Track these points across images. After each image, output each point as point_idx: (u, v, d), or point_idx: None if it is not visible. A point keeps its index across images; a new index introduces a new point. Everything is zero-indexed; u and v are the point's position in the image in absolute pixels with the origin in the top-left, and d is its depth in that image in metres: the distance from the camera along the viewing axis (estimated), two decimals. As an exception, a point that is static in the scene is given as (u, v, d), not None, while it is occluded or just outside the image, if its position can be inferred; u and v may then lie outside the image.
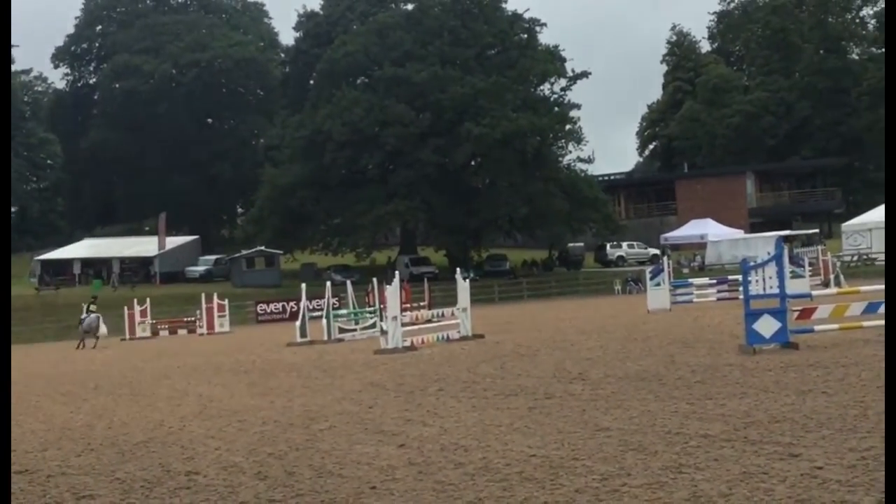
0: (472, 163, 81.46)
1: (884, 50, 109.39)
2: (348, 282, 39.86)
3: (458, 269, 30.98)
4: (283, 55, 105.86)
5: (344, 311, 34.96)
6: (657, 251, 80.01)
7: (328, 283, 34.89)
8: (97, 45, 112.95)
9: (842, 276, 43.70)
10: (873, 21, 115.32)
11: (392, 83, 78.74)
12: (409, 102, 78.15)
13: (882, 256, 62.19)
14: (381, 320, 26.79)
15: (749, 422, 9.60)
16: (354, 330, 32.98)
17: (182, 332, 51.36)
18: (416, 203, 76.94)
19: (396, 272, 29.07)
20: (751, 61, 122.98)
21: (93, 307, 45.70)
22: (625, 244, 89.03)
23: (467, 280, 28.06)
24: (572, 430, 9.99)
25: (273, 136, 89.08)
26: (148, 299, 53.28)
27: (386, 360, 21.20)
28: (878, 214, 69.89)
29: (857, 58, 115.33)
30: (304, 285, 35.47)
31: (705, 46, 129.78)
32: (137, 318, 50.91)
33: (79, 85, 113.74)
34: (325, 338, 30.98)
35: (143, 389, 18.70)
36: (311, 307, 34.84)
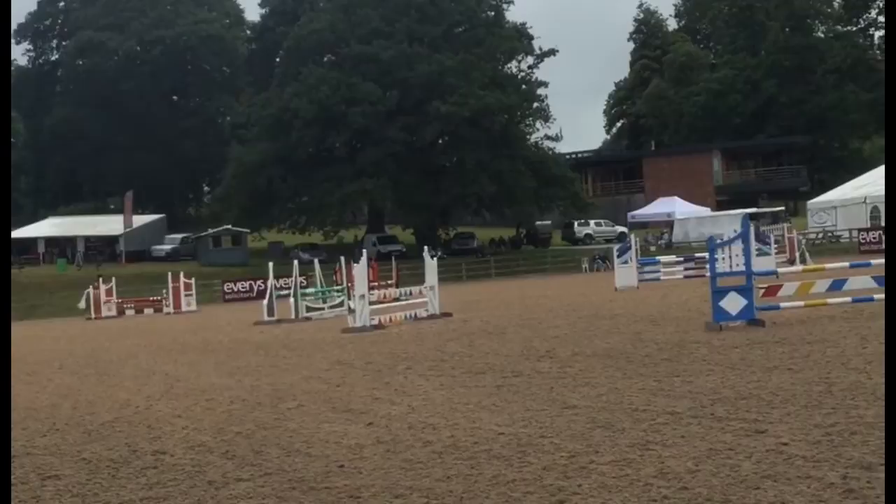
0: (440, 141, 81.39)
1: (851, 28, 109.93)
2: (316, 260, 39.77)
3: (425, 248, 30.95)
4: (248, 32, 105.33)
5: (311, 290, 34.88)
6: (625, 229, 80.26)
7: (295, 262, 34.82)
8: (60, 21, 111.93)
9: (807, 254, 43.97)
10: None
11: (359, 61, 78.47)
12: (377, 80, 77.91)
13: (847, 234, 62.72)
14: (349, 299, 26.76)
15: (716, 398, 9.66)
16: (322, 309, 32.94)
17: (148, 311, 51.12)
18: (384, 181, 76.81)
19: (364, 250, 28.95)
20: (717, 39, 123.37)
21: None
22: (592, 222, 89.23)
23: (435, 258, 28.04)
24: (540, 407, 10.01)
25: (239, 114, 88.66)
26: (113, 278, 52.98)
27: (354, 338, 21.18)
28: (842, 192, 70.46)
29: (822, 36, 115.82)
30: (271, 264, 35.40)
31: (672, 24, 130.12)
32: (103, 298, 50.62)
33: (41, 62, 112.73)
34: (293, 316, 30.93)
35: (109, 369, 18.60)
36: (278, 286, 34.75)
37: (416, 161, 78.48)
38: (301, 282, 33.79)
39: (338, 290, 32.99)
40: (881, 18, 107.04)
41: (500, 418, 9.59)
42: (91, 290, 50.74)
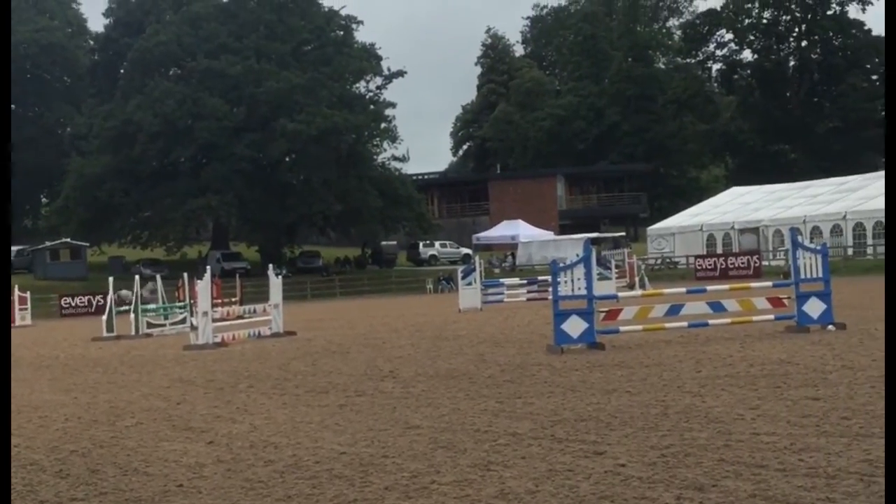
0: (287, 159, 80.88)
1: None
2: (158, 276, 39.03)
3: (270, 266, 30.73)
4: (92, 42, 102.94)
5: (153, 306, 34.25)
6: (469, 251, 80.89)
7: (137, 277, 34.13)
8: None
9: (646, 279, 44.98)
10: (678, 32, 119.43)
11: (206, 75, 77.56)
12: (224, 96, 77.12)
13: (684, 260, 64.39)
14: (192, 315, 26.37)
15: (556, 420, 9.79)
16: (163, 325, 32.35)
17: (-20, 325, 49.43)
18: (229, 198, 75.93)
19: (208, 267, 28.58)
20: (563, 66, 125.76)
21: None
22: (437, 243, 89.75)
23: (279, 276, 27.86)
24: (383, 427, 10.03)
25: (81, 125, 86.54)
26: (-56, 291, 51.16)
27: (195, 355, 20.89)
28: (680, 220, 72.38)
29: (663, 67, 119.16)
30: (111, 279, 34.62)
31: (519, 50, 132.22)
32: (-68, 311, 48.74)
33: None
34: (133, 333, 30.30)
35: (-63, 385, 17.92)
36: (118, 301, 33.98)
37: (262, 178, 77.87)
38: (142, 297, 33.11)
39: (180, 307, 32.46)
40: (719, 52, 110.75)
41: (342, 438, 9.58)
42: None
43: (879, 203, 56.03)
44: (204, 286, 23.64)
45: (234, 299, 34.99)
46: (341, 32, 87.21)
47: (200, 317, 23.29)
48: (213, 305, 24.19)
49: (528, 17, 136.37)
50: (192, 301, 26.90)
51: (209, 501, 7.33)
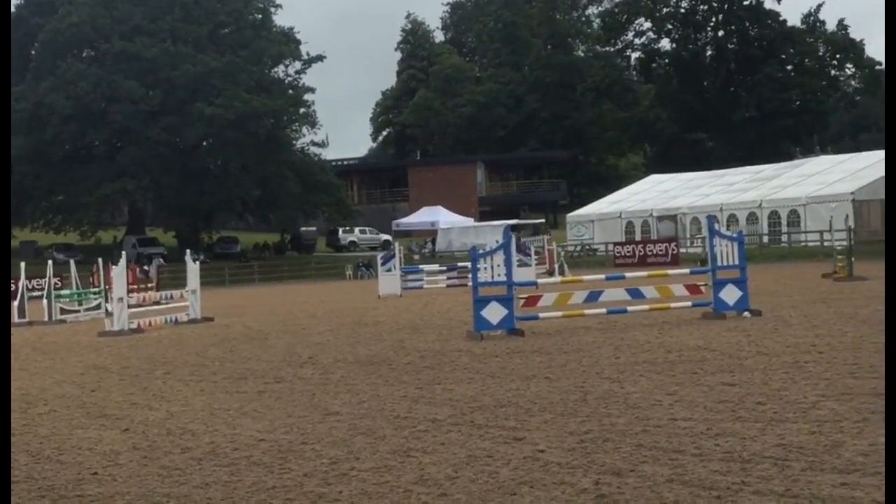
0: (204, 143, 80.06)
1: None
2: (72, 261, 38.43)
3: (187, 251, 30.44)
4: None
5: (66, 292, 33.73)
6: (389, 237, 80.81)
7: (49, 262, 33.57)
8: None
9: (566, 266, 45.22)
10: (597, 20, 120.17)
11: (121, 58, 76.36)
12: (139, 79, 75.98)
13: (603, 247, 64.88)
14: (107, 301, 26.01)
15: (476, 406, 9.81)
16: (77, 311, 31.89)
17: None
18: (145, 182, 74.97)
19: (123, 252, 28.23)
20: (483, 53, 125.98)
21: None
22: (357, 229, 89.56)
23: (197, 262, 27.59)
24: (302, 414, 9.98)
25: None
26: None
27: (111, 342, 20.62)
28: (599, 207, 72.91)
29: (582, 55, 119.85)
30: (23, 264, 34.03)
31: (439, 36, 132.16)
32: None
33: None
34: (46, 319, 29.83)
35: None
36: (30, 287, 33.43)
37: (179, 162, 76.93)
38: (55, 283, 32.62)
39: (95, 293, 32.01)
40: (637, 40, 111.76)
41: (261, 424, 9.51)
42: None
43: (793, 192, 57.08)
44: (119, 272, 23.33)
45: (150, 285, 34.60)
46: (259, 16, 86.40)
47: (116, 303, 22.99)
48: (129, 291, 23.88)
49: (448, 3, 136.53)
50: (107, 287, 26.55)
51: (124, 489, 7.22)
